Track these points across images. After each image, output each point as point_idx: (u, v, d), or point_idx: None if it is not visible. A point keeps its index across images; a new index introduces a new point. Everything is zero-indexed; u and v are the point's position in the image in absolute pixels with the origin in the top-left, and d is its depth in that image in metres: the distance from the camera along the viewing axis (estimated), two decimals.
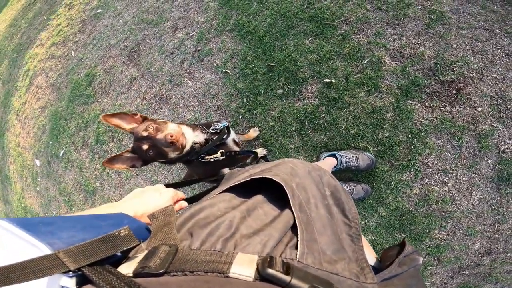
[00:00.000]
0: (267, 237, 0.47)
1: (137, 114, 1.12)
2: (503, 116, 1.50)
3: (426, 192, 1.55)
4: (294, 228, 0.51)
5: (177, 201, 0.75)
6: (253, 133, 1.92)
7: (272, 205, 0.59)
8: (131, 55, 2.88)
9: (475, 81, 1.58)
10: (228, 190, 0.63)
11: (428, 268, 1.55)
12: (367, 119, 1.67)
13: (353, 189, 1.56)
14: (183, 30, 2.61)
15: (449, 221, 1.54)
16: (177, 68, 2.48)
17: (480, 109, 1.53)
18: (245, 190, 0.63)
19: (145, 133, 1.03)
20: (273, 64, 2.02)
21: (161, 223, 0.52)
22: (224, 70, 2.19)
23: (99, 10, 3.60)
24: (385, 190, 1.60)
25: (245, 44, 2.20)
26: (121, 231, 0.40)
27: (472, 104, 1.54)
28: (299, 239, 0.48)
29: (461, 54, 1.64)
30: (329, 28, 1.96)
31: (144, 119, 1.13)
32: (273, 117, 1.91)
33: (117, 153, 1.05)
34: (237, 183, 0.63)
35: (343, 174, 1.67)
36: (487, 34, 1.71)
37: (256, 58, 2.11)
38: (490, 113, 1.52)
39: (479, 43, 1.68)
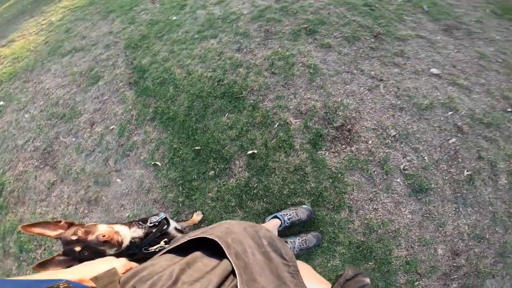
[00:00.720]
0: (207, 282, 0.51)
1: (61, 221, 1.04)
2: (388, 142, 1.81)
3: (366, 221, 1.67)
4: (234, 274, 0.56)
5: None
6: (197, 217, 1.90)
7: (211, 258, 0.64)
8: (44, 157, 2.54)
9: (357, 120, 1.90)
10: (169, 252, 0.68)
11: (416, 284, 1.56)
12: (293, 177, 1.81)
13: (305, 239, 1.64)
14: (101, 124, 2.48)
15: (400, 239, 1.62)
16: (101, 168, 2.28)
17: (370, 141, 1.81)
18: (185, 250, 0.67)
19: (74, 237, 0.98)
20: (199, 148, 2.06)
21: (105, 283, 0.52)
22: (153, 163, 2.13)
23: (1, 103, 3.16)
24: (332, 231, 1.68)
25: (168, 132, 2.21)
26: (60, 284, 0.39)
27: (363, 139, 1.83)
28: (238, 281, 0.53)
29: (339, 99, 1.98)
30: (239, 101, 2.16)
31: (70, 225, 1.06)
32: (212, 198, 1.91)
33: (48, 258, 0.95)
34: (176, 245, 0.68)
35: (291, 229, 1.74)
36: (349, 76, 2.11)
37: (182, 145, 2.13)
38: (378, 142, 1.81)
39: (347, 86, 2.05)
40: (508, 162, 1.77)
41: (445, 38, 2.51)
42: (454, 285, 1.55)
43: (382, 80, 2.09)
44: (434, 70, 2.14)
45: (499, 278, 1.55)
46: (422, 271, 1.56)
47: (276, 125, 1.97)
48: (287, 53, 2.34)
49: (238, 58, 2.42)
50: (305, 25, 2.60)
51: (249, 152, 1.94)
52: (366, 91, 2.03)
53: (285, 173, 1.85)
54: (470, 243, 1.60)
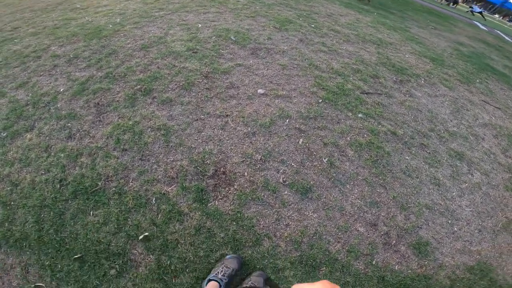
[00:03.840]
0: None
1: None
2: (259, 166, 1.71)
3: (288, 238, 1.52)
4: None
5: None
6: None
7: None
8: None
9: (225, 160, 1.71)
10: None
11: (373, 263, 1.49)
12: (199, 238, 1.47)
13: (251, 282, 1.39)
14: None
15: (325, 237, 1.54)
16: None
17: (246, 173, 1.67)
18: None
19: None
20: (80, 255, 1.39)
21: None
22: (33, 286, 1.28)
23: None
24: (269, 262, 1.47)
25: (28, 252, 1.37)
26: None
27: (239, 174, 1.66)
28: None
29: (202, 149, 1.72)
30: (99, 194, 1.54)
31: None
32: None
33: None
34: None
35: (234, 282, 1.42)
36: (200, 123, 1.89)
37: (56, 259, 1.37)
38: (252, 170, 1.69)
39: (203, 133, 1.82)
40: (344, 138, 2.00)
41: (255, 60, 2.67)
42: (401, 247, 1.57)
43: (228, 115, 1.99)
44: (260, 91, 2.23)
45: (425, 226, 1.67)
46: (367, 250, 1.52)
47: (154, 201, 1.53)
48: (130, 123, 1.86)
49: (74, 147, 1.75)
50: (139, 86, 2.17)
51: (141, 237, 1.44)
52: (220, 131, 1.87)
53: (189, 238, 1.46)
54: (373, 211, 1.66)
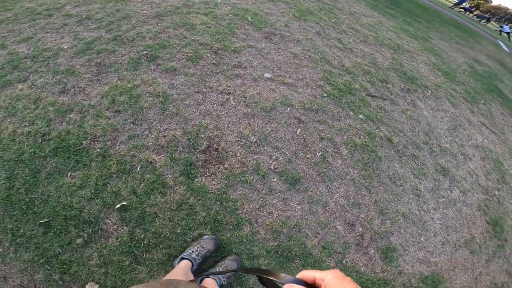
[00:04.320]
0: None
1: None
2: (253, 148, 1.65)
3: (268, 227, 1.49)
4: None
5: None
6: None
7: None
8: None
9: (220, 137, 1.63)
10: None
11: (344, 262, 1.49)
12: (179, 214, 1.42)
13: (225, 266, 1.36)
14: None
15: (304, 230, 1.51)
16: None
17: (238, 154, 1.60)
18: None
19: None
20: (46, 220, 1.33)
21: None
22: None
23: None
24: (245, 248, 1.43)
25: None
26: None
27: (231, 154, 1.59)
28: None
29: (198, 122, 1.65)
30: (81, 153, 1.45)
31: None
32: (98, 265, 1.30)
33: None
34: None
35: (206, 263, 1.40)
36: (201, 96, 1.81)
37: (20, 222, 1.31)
38: (245, 152, 1.62)
39: (202, 106, 1.74)
40: (341, 136, 1.93)
41: (268, 45, 2.54)
42: (371, 251, 1.56)
43: (230, 93, 1.89)
44: (267, 75, 2.12)
45: (397, 232, 1.66)
46: (340, 249, 1.50)
47: (138, 168, 1.45)
48: (129, 85, 1.76)
49: (65, 102, 1.65)
50: (145, 52, 2.05)
51: (117, 206, 1.38)
52: (220, 107, 1.78)
53: (169, 213, 1.41)
54: (354, 211, 1.64)
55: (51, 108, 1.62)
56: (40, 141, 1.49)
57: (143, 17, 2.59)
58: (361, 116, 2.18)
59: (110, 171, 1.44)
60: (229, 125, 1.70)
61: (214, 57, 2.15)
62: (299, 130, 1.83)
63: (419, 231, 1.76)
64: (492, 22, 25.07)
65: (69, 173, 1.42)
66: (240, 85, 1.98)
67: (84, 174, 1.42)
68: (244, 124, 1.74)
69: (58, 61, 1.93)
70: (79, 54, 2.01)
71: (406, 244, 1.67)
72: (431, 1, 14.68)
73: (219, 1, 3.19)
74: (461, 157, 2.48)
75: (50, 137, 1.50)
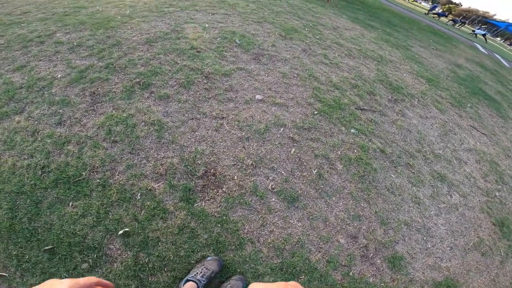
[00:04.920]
0: None
1: None
2: (249, 171, 1.73)
3: (271, 245, 1.52)
4: None
5: None
6: None
7: None
8: None
9: (216, 162, 1.72)
10: None
11: (350, 274, 1.52)
12: (182, 237, 1.47)
13: (230, 286, 1.38)
14: None
15: (307, 246, 1.55)
16: None
17: (235, 177, 1.68)
18: None
19: None
20: (51, 246, 1.36)
21: None
22: None
23: None
24: (250, 267, 1.47)
25: None
26: None
27: (229, 177, 1.66)
28: None
29: (194, 148, 1.73)
30: (81, 184, 1.51)
31: None
32: None
33: None
34: None
35: (212, 284, 1.43)
36: (195, 122, 1.90)
37: (25, 249, 1.34)
38: (242, 175, 1.70)
39: (196, 132, 1.83)
40: (335, 151, 2.05)
41: (257, 66, 2.71)
42: (377, 261, 1.60)
43: (223, 117, 2.00)
44: (258, 96, 2.25)
45: (402, 241, 1.71)
46: (345, 262, 1.54)
47: (138, 196, 1.52)
48: (124, 115, 1.85)
49: (62, 134, 1.72)
50: (138, 80, 2.17)
51: (120, 232, 1.42)
52: (214, 132, 1.88)
53: (171, 237, 1.45)
54: (355, 224, 1.70)
55: (49, 141, 1.69)
56: (40, 173, 1.55)
57: (133, 44, 2.72)
58: (352, 130, 2.31)
59: (110, 200, 1.50)
60: (224, 150, 1.79)
61: (205, 81, 2.28)
62: (293, 149, 1.94)
63: (425, 238, 1.84)
64: (466, 25, 26.63)
65: (70, 203, 1.48)
66: (233, 109, 2.10)
67: (86, 203, 1.48)
68: (239, 148, 1.83)
69: (52, 91, 2.02)
70: (73, 84, 2.11)
71: (413, 252, 1.73)
72: (406, 9, 15.56)
73: (207, 25, 3.38)
74: (456, 162, 2.62)
75: (50, 169, 1.57)
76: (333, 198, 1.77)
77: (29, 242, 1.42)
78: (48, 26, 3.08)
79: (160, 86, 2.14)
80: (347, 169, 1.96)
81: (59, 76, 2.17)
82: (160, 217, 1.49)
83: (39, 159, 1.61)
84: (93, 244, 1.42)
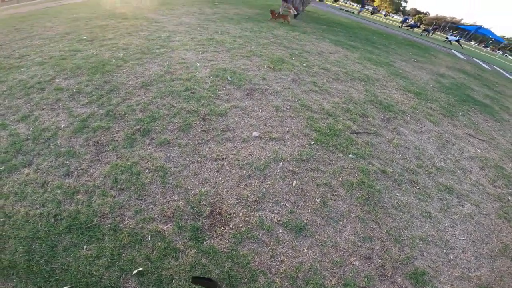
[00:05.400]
0: None
1: None
2: (254, 207, 1.83)
3: (283, 274, 1.58)
4: None
5: None
6: None
7: None
8: None
9: (221, 201, 1.84)
10: None
11: None
12: (194, 273, 1.54)
13: None
14: None
15: (320, 272, 1.56)
16: None
17: (241, 214, 1.78)
18: None
19: None
20: (69, 286, 1.44)
21: None
22: None
23: None
24: None
25: (15, 281, 1.44)
26: None
27: (235, 215, 1.77)
28: None
29: (198, 191, 1.86)
30: (94, 229, 1.62)
31: None
32: None
33: None
34: None
35: None
36: (197, 166, 2.06)
37: None
38: (247, 211, 1.80)
39: (199, 175, 1.97)
40: (336, 178, 2.17)
41: (250, 102, 2.94)
42: (398, 279, 1.64)
43: (223, 158, 2.16)
44: (255, 134, 2.43)
45: (420, 256, 1.76)
46: (363, 283, 1.58)
47: (149, 238, 1.62)
48: (128, 163, 2.00)
49: (71, 184, 1.85)
50: (138, 126, 2.36)
51: (135, 271, 1.50)
52: (216, 174, 2.03)
53: (184, 274, 1.52)
54: (367, 245, 1.77)
55: (58, 191, 1.82)
56: (53, 220, 1.67)
57: (130, 88, 2.95)
58: (351, 155, 2.47)
59: (123, 242, 1.60)
60: (228, 189, 1.92)
61: (203, 123, 2.48)
62: (294, 182, 2.07)
63: (444, 250, 1.89)
64: (437, 32, 28.44)
65: (85, 246, 1.59)
66: (232, 149, 2.26)
67: (99, 246, 1.58)
68: (242, 186, 1.96)
69: (58, 142, 2.19)
70: (76, 133, 2.28)
71: (435, 265, 1.78)
72: (381, 24, 16.66)
73: (198, 64, 3.68)
74: (460, 172, 2.74)
75: (62, 216, 1.69)
76: (341, 223, 1.86)
77: (48, 282, 1.51)
78: (47, 71, 3.38)
79: (160, 132, 2.33)
80: (350, 193, 2.08)
81: (62, 126, 2.36)
82: (171, 256, 1.59)
83: (51, 208, 1.73)
84: (109, 283, 1.50)
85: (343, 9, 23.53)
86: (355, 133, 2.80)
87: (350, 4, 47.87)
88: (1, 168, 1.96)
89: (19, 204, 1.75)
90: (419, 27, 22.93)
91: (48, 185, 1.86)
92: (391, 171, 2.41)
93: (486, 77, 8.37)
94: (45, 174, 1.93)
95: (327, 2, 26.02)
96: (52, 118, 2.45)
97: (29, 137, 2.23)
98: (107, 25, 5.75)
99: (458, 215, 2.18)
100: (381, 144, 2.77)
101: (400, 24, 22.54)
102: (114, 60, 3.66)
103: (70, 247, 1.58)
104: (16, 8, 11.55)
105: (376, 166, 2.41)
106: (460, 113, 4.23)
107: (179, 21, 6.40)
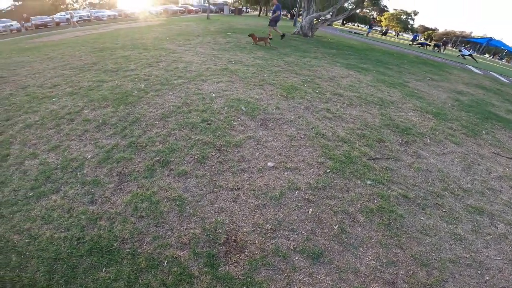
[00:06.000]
0: None
1: None
2: (269, 235, 1.92)
3: None
4: None
5: None
6: None
7: None
8: None
9: (237, 229, 1.95)
10: None
11: None
12: None
13: None
14: None
15: None
16: None
17: (256, 241, 1.87)
18: None
19: None
20: None
21: None
22: None
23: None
24: None
25: None
26: None
27: (250, 242, 1.86)
28: None
29: (214, 219, 2.00)
30: (113, 253, 1.78)
31: None
32: None
33: None
34: None
35: None
36: (213, 196, 2.20)
37: None
38: (263, 239, 1.88)
39: (215, 205, 2.12)
40: (353, 205, 2.23)
41: (264, 132, 3.14)
42: None
43: (239, 188, 2.31)
44: (270, 164, 2.59)
45: (451, 279, 1.75)
46: None
47: (165, 263, 1.73)
48: (148, 193, 2.20)
49: (94, 211, 2.06)
50: (157, 158, 2.61)
51: None
52: (232, 203, 2.17)
53: None
54: (390, 270, 1.77)
55: (83, 217, 2.03)
56: (75, 243, 1.84)
57: (151, 120, 3.26)
58: (369, 182, 2.52)
59: (140, 267, 1.73)
60: (243, 218, 2.04)
61: (219, 155, 2.70)
62: (311, 210, 2.16)
63: (479, 271, 1.84)
64: (448, 47, 28.34)
65: (103, 269, 1.72)
66: (247, 179, 2.42)
67: (117, 269, 1.72)
68: (257, 215, 2.08)
69: (84, 172, 2.47)
70: (101, 164, 2.56)
71: (470, 287, 1.73)
72: (391, 44, 16.90)
73: (213, 95, 4.00)
74: (489, 192, 2.68)
75: (85, 240, 1.87)
76: (360, 249, 1.88)
77: None
78: (76, 101, 3.86)
79: (178, 163, 2.55)
80: (370, 219, 2.11)
81: (89, 156, 2.66)
82: (186, 281, 1.68)
83: (75, 232, 1.93)
84: None
85: (351, 32, 24.36)
86: (373, 159, 2.86)
87: (359, 26, 49.77)
88: (30, 194, 2.24)
89: (45, 227, 1.97)
90: (430, 45, 23.22)
91: (74, 210, 2.09)
92: (414, 195, 2.42)
93: (506, 91, 8.20)
94: (71, 200, 2.18)
95: (335, 26, 27.22)
96: (80, 148, 2.79)
97: (58, 166, 2.55)
98: (130, 56, 6.55)
99: (491, 236, 2.13)
100: (401, 168, 2.80)
101: (410, 42, 22.97)
102: (136, 92, 4.12)
103: (90, 269, 1.73)
104: (49, 36, 13.13)
105: (397, 191, 2.43)
106: (484, 132, 4.18)
107: (195, 51, 7.10)
